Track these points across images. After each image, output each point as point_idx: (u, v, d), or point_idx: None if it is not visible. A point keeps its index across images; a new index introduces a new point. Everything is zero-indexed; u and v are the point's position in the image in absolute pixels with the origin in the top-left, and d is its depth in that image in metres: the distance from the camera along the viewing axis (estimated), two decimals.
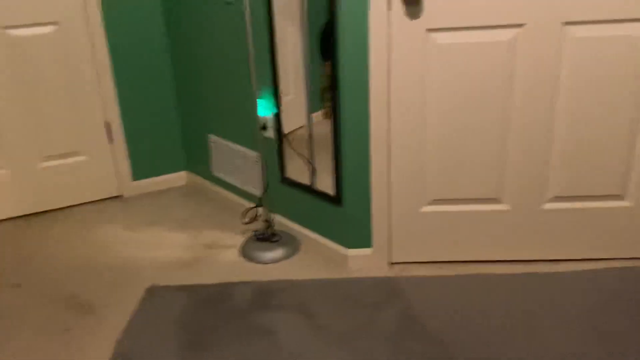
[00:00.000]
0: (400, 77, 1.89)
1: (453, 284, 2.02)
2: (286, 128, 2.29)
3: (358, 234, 2.14)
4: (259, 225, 2.50)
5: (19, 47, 2.52)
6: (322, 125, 2.13)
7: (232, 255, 2.32)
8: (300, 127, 2.26)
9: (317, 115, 2.17)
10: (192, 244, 2.43)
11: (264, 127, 2.31)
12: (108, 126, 2.78)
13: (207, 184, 2.89)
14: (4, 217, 2.72)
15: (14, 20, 2.49)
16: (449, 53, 1.85)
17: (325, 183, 2.18)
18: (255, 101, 2.24)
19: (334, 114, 2.00)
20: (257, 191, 2.55)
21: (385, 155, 1.99)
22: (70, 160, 2.76)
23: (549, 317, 1.80)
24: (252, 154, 2.50)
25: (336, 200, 2.13)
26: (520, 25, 1.80)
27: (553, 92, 1.86)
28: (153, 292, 2.09)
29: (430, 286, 2.02)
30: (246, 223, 2.56)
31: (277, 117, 2.27)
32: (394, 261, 2.18)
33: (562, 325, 1.76)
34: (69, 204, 2.82)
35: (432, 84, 1.89)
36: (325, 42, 1.95)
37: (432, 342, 1.72)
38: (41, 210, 2.77)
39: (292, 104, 2.26)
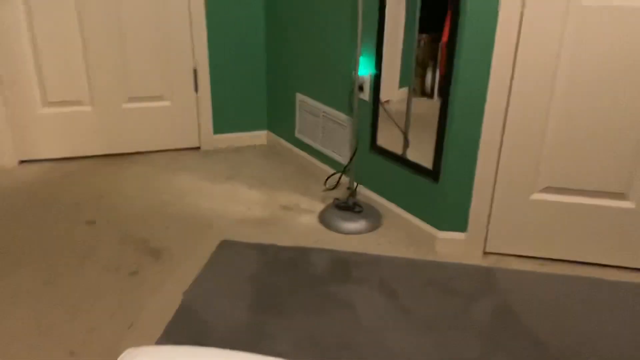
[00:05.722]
0: (530, 42, 1.65)
1: (557, 283, 1.78)
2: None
3: (453, 215, 1.93)
4: (340, 193, 2.33)
5: None
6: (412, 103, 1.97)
7: (310, 219, 2.17)
8: (386, 100, 2.08)
9: (404, 92, 2.04)
10: (269, 203, 2.30)
11: (361, 88, 2.13)
12: (195, 73, 2.68)
13: (289, 145, 2.74)
14: (84, 155, 2.69)
15: None
16: (595, 17, 1.59)
17: (418, 157, 1.98)
18: (353, 60, 2.06)
19: (447, 77, 1.79)
20: (341, 158, 2.38)
21: (499, 129, 1.76)
22: (154, 104, 2.69)
23: None
24: (341, 116, 2.33)
25: (433, 175, 1.93)
26: None
27: None
28: (226, 246, 1.97)
29: (531, 282, 1.78)
30: (327, 189, 2.40)
31: (377, 78, 2.08)
32: (488, 250, 1.95)
33: None
34: (147, 149, 2.75)
35: (568, 51, 1.64)
36: (426, 12, 1.76)
37: (532, 343, 1.50)
38: (120, 152, 2.72)
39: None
